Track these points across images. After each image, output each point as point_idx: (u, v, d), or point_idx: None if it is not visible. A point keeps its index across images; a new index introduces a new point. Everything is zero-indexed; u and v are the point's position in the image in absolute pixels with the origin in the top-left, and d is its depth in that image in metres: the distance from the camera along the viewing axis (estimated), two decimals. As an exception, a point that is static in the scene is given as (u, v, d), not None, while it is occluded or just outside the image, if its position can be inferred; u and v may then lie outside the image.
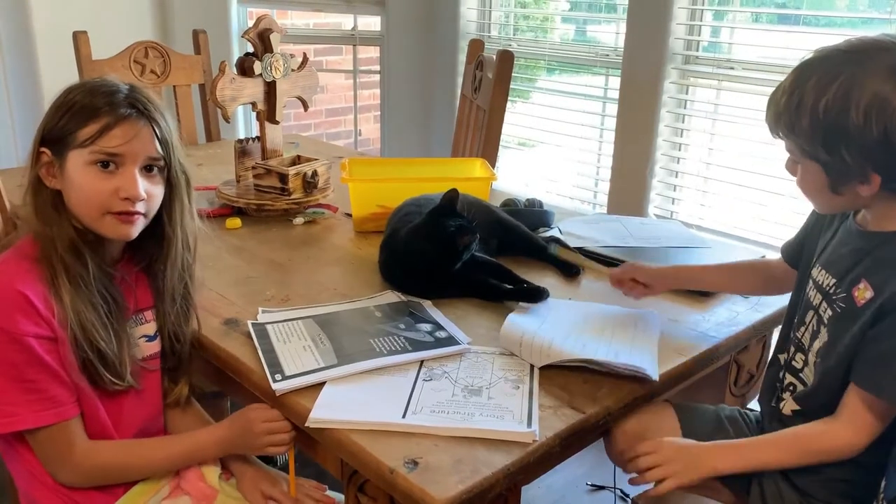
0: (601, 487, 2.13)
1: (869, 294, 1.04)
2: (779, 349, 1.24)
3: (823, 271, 1.13)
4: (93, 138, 1.04)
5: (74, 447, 1.08)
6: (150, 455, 1.15)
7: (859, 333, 1.04)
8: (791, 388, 1.17)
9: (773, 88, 1.06)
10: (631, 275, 1.37)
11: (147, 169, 1.09)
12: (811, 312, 1.14)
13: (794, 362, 1.17)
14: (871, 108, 0.95)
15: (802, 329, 1.16)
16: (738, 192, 2.43)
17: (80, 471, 1.09)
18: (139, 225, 1.10)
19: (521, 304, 1.36)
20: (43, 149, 1.07)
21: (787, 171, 1.11)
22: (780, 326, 1.27)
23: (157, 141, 1.08)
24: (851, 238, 1.11)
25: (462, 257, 1.38)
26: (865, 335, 1.03)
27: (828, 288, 1.11)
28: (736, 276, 1.37)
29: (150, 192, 1.09)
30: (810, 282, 1.16)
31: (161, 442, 1.20)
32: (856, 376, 1.04)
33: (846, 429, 1.04)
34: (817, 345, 1.11)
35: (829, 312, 1.09)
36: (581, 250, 1.59)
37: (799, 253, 1.25)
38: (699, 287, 1.41)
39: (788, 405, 1.16)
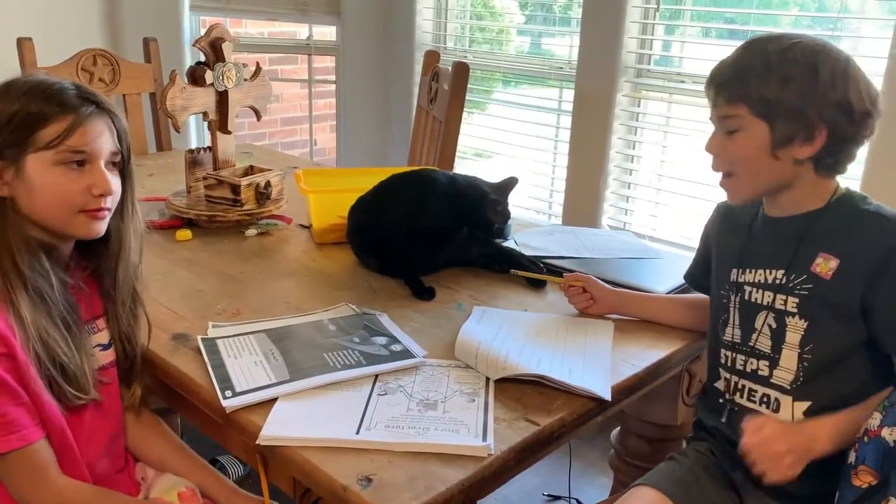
0: (557, 497, 2.13)
1: (834, 263, 1.07)
2: (723, 368, 1.22)
3: (761, 271, 1.15)
4: (60, 138, 1.03)
5: (48, 475, 1.02)
6: None
7: (857, 302, 1.05)
8: (765, 399, 1.15)
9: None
10: (584, 283, 1.40)
11: (111, 164, 1.10)
12: (761, 314, 1.15)
13: (759, 372, 1.16)
14: (839, 69, 1.04)
15: (754, 336, 1.16)
16: (689, 204, 2.47)
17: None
18: (107, 220, 1.10)
19: (475, 308, 1.38)
20: None
21: (710, 149, 1.13)
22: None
23: (116, 135, 1.10)
24: (772, 229, 1.15)
25: (482, 225, 1.53)
26: (876, 303, 1.04)
27: (777, 281, 1.12)
28: (677, 309, 1.37)
29: (115, 186, 1.10)
30: (746, 288, 1.17)
31: None
32: None
33: None
34: (794, 337, 1.11)
35: (797, 300, 1.10)
36: (537, 260, 1.60)
37: (703, 275, 1.29)
38: (644, 316, 1.38)
39: (795, 412, 1.12)
